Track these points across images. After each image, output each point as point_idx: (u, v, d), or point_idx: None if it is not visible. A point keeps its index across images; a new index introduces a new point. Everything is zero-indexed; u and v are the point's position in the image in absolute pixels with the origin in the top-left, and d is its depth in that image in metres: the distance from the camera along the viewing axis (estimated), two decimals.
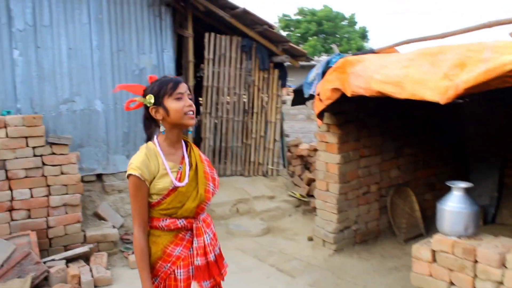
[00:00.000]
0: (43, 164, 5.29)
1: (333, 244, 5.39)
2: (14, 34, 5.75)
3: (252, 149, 7.67)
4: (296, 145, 7.79)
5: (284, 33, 33.24)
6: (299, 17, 32.29)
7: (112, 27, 6.35)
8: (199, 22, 7.54)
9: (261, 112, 7.68)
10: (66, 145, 5.42)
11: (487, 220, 6.30)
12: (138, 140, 6.61)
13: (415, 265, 4.01)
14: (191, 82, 7.33)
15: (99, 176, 6.32)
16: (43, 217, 5.28)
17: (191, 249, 2.35)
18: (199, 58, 7.52)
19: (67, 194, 5.38)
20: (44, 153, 5.31)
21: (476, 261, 3.53)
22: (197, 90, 7.75)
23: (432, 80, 3.41)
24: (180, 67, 7.57)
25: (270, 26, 7.14)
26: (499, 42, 3.18)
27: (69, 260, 5.09)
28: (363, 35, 32.51)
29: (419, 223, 6.01)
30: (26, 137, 5.22)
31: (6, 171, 5.16)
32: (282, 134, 7.87)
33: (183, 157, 2.39)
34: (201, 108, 7.40)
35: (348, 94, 4.37)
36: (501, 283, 3.38)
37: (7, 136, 5.14)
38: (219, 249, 2.50)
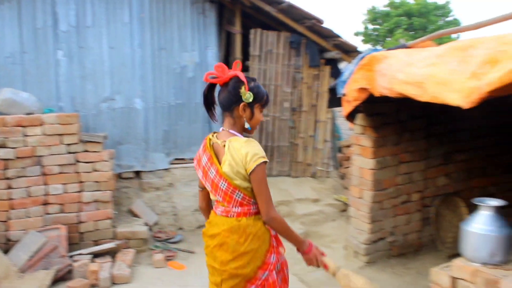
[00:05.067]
0: (77, 161, 5.42)
1: (365, 256, 5.00)
2: (58, 36, 5.99)
3: (300, 149, 7.37)
4: (348, 146, 7.36)
5: (371, 27, 31.94)
6: (388, 9, 30.79)
7: (154, 26, 6.39)
8: (250, 17, 7.37)
9: (311, 111, 7.35)
10: (99, 142, 5.50)
11: None
12: (179, 138, 6.60)
13: None
14: None
15: (138, 173, 6.38)
16: (75, 212, 5.41)
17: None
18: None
19: (98, 190, 5.47)
20: (78, 150, 5.43)
21: None
22: None
23: (458, 80, 2.92)
24: (227, 64, 7.44)
25: (319, 21, 6.77)
26: None
27: (97, 255, 5.17)
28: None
29: None
30: (60, 135, 5.38)
31: (42, 166, 5.36)
32: (334, 134, 7.48)
33: None
34: None
35: (376, 94, 4.00)
36: None
37: (43, 134, 5.33)
38: None
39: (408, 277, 4.79)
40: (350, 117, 4.68)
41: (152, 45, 6.38)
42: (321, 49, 7.21)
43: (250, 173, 2.32)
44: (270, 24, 7.29)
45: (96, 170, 5.48)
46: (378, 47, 30.25)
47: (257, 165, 2.30)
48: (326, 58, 7.25)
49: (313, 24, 6.83)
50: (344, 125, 9.05)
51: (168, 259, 5.36)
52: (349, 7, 61.14)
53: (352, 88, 4.31)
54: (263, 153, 2.34)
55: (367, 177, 4.97)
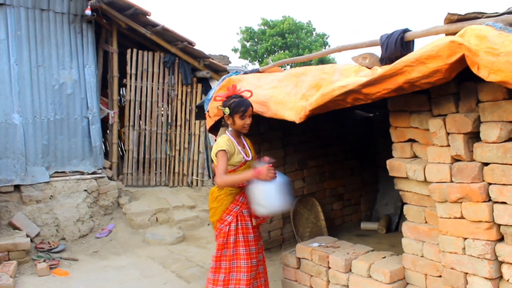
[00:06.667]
0: None
1: None
2: None
3: (176, 160, 7.96)
4: None
5: (248, 44, 33.55)
6: (263, 28, 32.58)
7: (32, 43, 6.60)
8: (127, 38, 7.83)
9: (185, 125, 8.00)
10: None
11: (391, 228, 6.66)
12: (58, 152, 6.84)
13: (285, 271, 4.36)
14: (115, 96, 7.60)
15: (17, 187, 6.51)
16: None
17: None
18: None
19: None
20: None
21: (329, 267, 3.87)
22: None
23: (292, 100, 3.72)
24: (106, 81, 7.83)
25: (190, 43, 7.48)
26: (345, 65, 3.53)
27: None
28: (324, 43, 32.86)
29: (323, 231, 6.32)
30: None
31: None
32: (207, 146, 8.18)
33: (243, 145, 3.85)
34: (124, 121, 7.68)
35: None
36: (347, 286, 3.73)
37: None
38: None
39: (272, 267, 5.53)
40: (213, 129, 5.37)
41: (30, 62, 6.58)
42: (193, 68, 7.89)
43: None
44: (146, 44, 7.82)
45: None
46: (256, 63, 31.96)
47: (217, 152, 3.59)
48: (198, 77, 7.95)
49: (185, 46, 7.50)
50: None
51: (52, 267, 5.62)
52: (226, 25, 63.10)
53: (213, 105, 4.97)
54: (223, 145, 3.61)
55: None
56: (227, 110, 3.70)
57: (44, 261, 5.74)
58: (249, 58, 33.47)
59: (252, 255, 3.78)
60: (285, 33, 31.49)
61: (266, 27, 32.72)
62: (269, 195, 3.57)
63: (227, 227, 3.72)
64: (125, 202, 7.27)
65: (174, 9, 60.91)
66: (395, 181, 3.43)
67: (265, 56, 32.15)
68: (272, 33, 31.77)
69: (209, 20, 62.76)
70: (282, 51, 31.47)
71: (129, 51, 7.57)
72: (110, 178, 7.40)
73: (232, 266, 3.75)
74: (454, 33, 2.54)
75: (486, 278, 2.78)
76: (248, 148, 3.89)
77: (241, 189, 3.78)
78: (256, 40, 33.38)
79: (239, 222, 3.76)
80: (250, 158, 3.83)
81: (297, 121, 3.53)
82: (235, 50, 33.99)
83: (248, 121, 3.73)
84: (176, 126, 7.96)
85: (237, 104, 3.70)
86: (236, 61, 32.88)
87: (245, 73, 5.08)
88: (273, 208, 3.68)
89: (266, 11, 58.67)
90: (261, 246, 3.96)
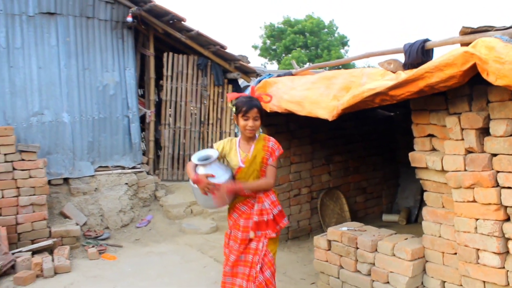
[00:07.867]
0: (14, 169, 6.08)
1: None
2: None
3: None
4: None
5: (268, 42, 33.97)
6: (283, 26, 32.89)
7: (79, 49, 7.21)
8: (162, 41, 8.40)
9: (217, 123, 8.55)
10: (34, 152, 6.22)
11: (411, 220, 7.11)
12: (102, 148, 7.44)
13: (316, 253, 4.85)
14: (152, 96, 8.17)
15: (66, 180, 7.12)
16: (13, 215, 6.03)
17: (253, 210, 3.52)
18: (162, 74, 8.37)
19: (34, 195, 6.16)
20: (15, 159, 6.10)
21: (357, 248, 4.36)
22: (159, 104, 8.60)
23: (325, 101, 4.23)
24: (143, 82, 8.40)
25: (222, 47, 8.03)
26: (372, 69, 4.04)
27: (35, 252, 5.85)
28: (343, 43, 33.22)
29: (347, 222, 6.83)
30: None
31: None
32: None
33: (249, 150, 3.56)
34: (161, 120, 8.25)
35: (268, 110, 5.20)
36: (373, 264, 4.22)
37: None
38: (278, 210, 3.62)
39: (301, 253, 6.06)
40: None
41: (77, 66, 7.19)
42: (224, 70, 8.43)
43: None
44: (180, 47, 8.38)
45: (31, 177, 6.18)
46: (274, 62, 32.33)
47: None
48: (228, 78, 8.49)
49: (217, 49, 8.05)
50: None
51: (101, 252, 6.20)
52: (246, 20, 63.57)
53: None
54: (217, 143, 3.67)
55: None
56: (234, 109, 3.50)
57: (93, 246, 6.33)
58: (268, 57, 33.88)
59: (234, 263, 3.60)
60: (306, 32, 31.85)
61: (287, 26, 32.97)
62: (198, 194, 3.57)
63: (230, 230, 3.69)
64: (161, 195, 7.83)
65: (194, 8, 61.54)
66: (416, 171, 3.91)
67: (283, 55, 32.53)
68: (292, 31, 32.07)
69: (231, 18, 63.32)
70: (301, 49, 31.75)
71: (165, 54, 8.15)
72: (148, 173, 7.97)
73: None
74: (468, 44, 3.02)
75: (494, 253, 3.25)
76: (251, 155, 3.54)
77: (245, 198, 3.55)
78: (275, 38, 33.66)
79: (233, 230, 3.64)
80: (244, 166, 3.53)
81: (330, 119, 4.02)
82: (255, 47, 34.38)
83: (250, 123, 3.43)
84: (208, 124, 8.51)
85: (241, 103, 3.46)
86: (255, 59, 33.28)
87: (279, 75, 5.60)
88: (201, 205, 4.02)
89: (290, 10, 58.88)
90: (259, 248, 3.56)
